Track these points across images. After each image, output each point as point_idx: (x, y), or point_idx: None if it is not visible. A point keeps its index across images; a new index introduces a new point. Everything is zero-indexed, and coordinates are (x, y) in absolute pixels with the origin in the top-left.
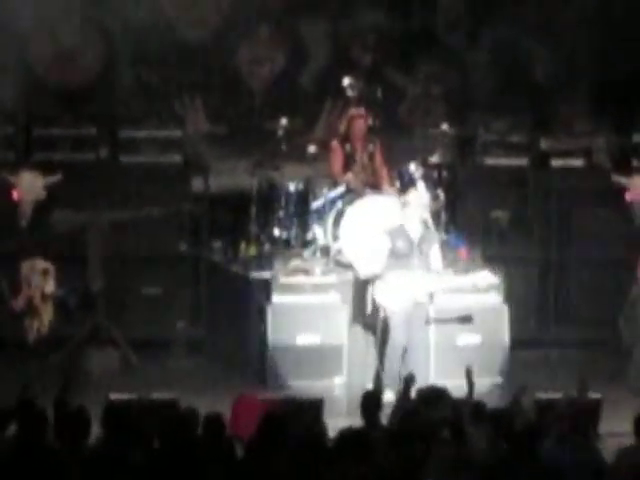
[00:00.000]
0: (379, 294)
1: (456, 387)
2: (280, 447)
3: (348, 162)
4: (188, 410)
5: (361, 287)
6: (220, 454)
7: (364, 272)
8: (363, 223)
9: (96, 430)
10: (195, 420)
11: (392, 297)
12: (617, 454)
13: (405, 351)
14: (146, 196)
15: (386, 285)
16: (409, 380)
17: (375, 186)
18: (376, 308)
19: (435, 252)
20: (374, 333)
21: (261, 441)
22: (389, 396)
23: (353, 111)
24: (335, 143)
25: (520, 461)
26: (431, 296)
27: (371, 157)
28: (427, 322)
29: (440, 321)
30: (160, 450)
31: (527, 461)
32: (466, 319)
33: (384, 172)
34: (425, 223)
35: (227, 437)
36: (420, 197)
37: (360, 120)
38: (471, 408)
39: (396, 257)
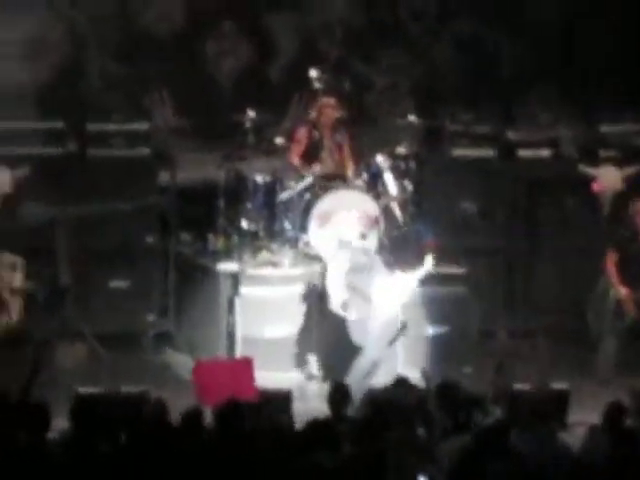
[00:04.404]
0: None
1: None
2: (244, 438)
3: (315, 150)
4: (157, 402)
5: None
6: (194, 446)
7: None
8: (331, 216)
9: (64, 423)
10: (164, 412)
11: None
12: (584, 444)
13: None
14: (114, 190)
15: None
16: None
17: (341, 177)
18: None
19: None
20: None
21: (223, 432)
22: None
23: (324, 100)
24: (302, 130)
25: (487, 451)
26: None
27: (339, 147)
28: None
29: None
30: (128, 443)
31: (494, 452)
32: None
33: (351, 163)
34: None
35: (205, 430)
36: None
37: (329, 109)
38: (436, 396)
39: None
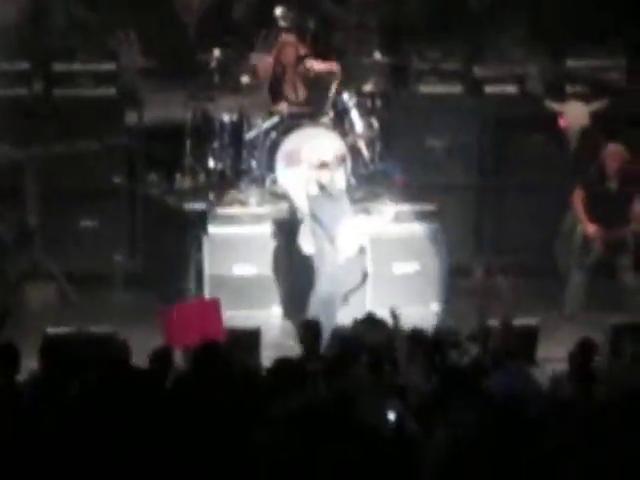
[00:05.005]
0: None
1: None
2: (217, 378)
3: (279, 87)
4: (119, 342)
5: (296, 220)
6: (161, 386)
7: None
8: (297, 155)
9: (34, 364)
10: (125, 352)
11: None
12: (551, 380)
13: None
14: (81, 130)
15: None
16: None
17: (307, 115)
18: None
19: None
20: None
21: (198, 372)
22: None
23: (284, 38)
24: (264, 67)
25: (454, 390)
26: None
27: (304, 84)
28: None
29: None
30: (97, 384)
31: (462, 391)
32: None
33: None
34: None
35: (174, 370)
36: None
37: (290, 47)
38: (407, 337)
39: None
